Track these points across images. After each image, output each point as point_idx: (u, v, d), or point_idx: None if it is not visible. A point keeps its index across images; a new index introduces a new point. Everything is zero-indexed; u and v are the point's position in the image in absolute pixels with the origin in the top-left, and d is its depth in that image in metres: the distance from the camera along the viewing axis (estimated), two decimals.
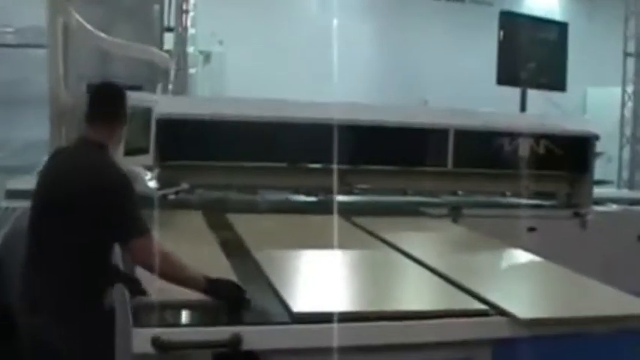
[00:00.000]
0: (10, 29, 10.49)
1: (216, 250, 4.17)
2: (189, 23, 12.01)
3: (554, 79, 11.53)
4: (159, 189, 5.11)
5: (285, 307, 3.07)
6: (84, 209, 3.19)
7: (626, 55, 12.51)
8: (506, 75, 10.88)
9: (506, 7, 13.54)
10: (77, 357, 3.21)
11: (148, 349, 2.71)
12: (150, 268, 3.11)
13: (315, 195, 6.45)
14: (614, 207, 7.71)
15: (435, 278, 3.77)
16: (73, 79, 7.64)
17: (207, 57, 13.62)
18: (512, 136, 6.82)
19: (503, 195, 7.14)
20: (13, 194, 6.06)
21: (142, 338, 2.75)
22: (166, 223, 3.82)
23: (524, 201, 6.94)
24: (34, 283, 3.31)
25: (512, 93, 10.86)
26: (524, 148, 6.85)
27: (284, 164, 6.30)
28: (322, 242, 4.51)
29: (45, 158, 3.69)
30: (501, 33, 10.90)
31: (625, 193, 10.09)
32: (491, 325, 3.15)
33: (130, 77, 8.21)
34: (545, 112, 11.29)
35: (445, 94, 12.55)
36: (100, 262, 3.30)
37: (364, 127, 6.29)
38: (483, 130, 6.78)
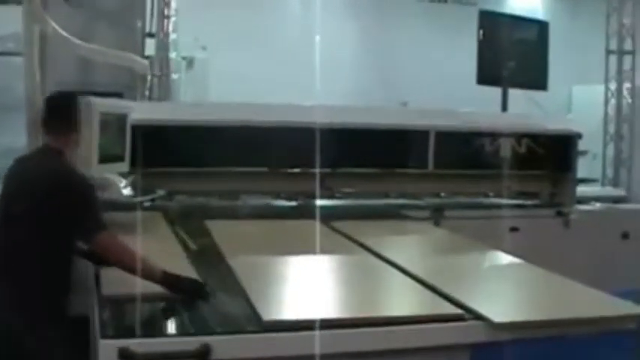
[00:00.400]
0: None
1: (179, 252, 4.18)
2: (170, 29, 11.94)
3: (536, 78, 11.48)
4: (134, 196, 5.05)
5: (256, 315, 3.02)
6: (46, 212, 3.32)
7: (608, 52, 12.50)
8: (486, 75, 10.84)
9: (491, 7, 13.53)
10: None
11: None
12: (114, 260, 3.32)
13: (296, 200, 6.41)
14: (597, 205, 7.68)
15: (412, 283, 3.72)
16: (52, 86, 7.61)
17: (190, 62, 13.55)
18: (494, 136, 6.79)
19: (486, 196, 7.11)
20: None
21: (108, 350, 2.69)
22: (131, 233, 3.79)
23: (506, 201, 6.91)
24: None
25: (496, 93, 10.83)
26: (505, 148, 6.82)
27: (263, 169, 6.25)
28: (299, 248, 4.48)
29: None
30: (481, 32, 10.86)
31: (609, 190, 10.09)
32: (467, 330, 3.10)
33: (111, 84, 8.15)
34: (527, 111, 11.28)
35: (428, 95, 12.51)
36: (64, 265, 3.45)
37: (343, 129, 6.22)
38: (464, 130, 6.74)
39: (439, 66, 14.41)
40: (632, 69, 12.40)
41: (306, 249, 4.38)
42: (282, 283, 3.64)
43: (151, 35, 11.38)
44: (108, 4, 8.88)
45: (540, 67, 11.52)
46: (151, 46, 11.26)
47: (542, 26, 12.07)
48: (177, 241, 4.57)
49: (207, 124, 6.05)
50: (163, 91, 11.59)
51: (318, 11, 13.66)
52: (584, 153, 10.11)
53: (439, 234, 5.73)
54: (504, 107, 10.74)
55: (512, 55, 10.77)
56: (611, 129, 12.52)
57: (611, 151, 12.46)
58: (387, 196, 6.77)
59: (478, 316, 3.13)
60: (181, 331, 2.96)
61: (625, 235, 7.31)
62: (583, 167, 10.24)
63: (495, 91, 10.90)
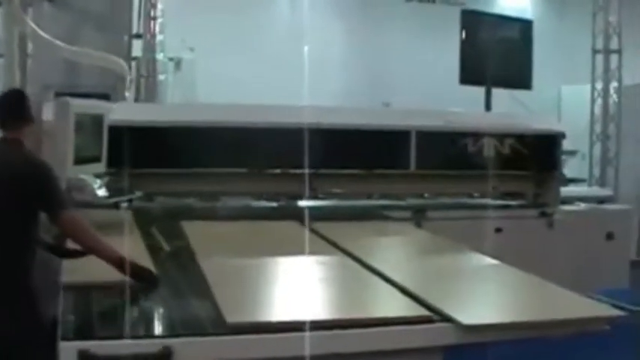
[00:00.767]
0: None
1: (141, 248, 4.21)
2: (157, 30, 11.91)
3: (520, 78, 11.44)
4: (109, 197, 5.02)
5: (221, 317, 2.98)
6: (13, 195, 3.51)
7: (595, 51, 12.46)
8: (469, 74, 10.80)
9: (479, 7, 13.50)
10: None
11: None
12: (76, 237, 3.57)
13: (277, 201, 6.37)
14: (582, 206, 7.62)
15: (386, 285, 3.67)
16: (35, 87, 7.58)
17: (177, 64, 13.51)
18: (477, 135, 6.75)
19: (470, 196, 7.08)
20: None
21: (68, 352, 2.65)
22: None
23: (490, 202, 6.87)
24: None
25: (482, 93, 10.81)
26: (488, 148, 6.78)
27: (244, 170, 6.21)
28: (275, 249, 4.44)
29: None
30: (463, 32, 10.83)
31: (595, 190, 10.01)
32: (438, 332, 3.06)
33: (97, 86, 8.16)
34: (512, 111, 11.25)
35: (415, 95, 12.49)
36: (28, 242, 3.58)
37: (325, 130, 6.16)
38: (446, 130, 6.70)
39: (426, 66, 14.38)
40: (619, 68, 12.36)
41: (283, 250, 4.35)
42: (251, 285, 3.59)
43: (138, 36, 11.34)
44: (94, 5, 8.86)
45: (524, 67, 11.49)
46: (138, 48, 11.23)
47: (525, 25, 12.04)
48: (142, 238, 4.54)
49: (187, 125, 6.01)
50: (150, 92, 11.57)
51: (305, 12, 13.63)
52: (573, 153, 10.11)
53: (418, 235, 5.68)
54: (488, 107, 10.71)
55: (496, 55, 10.70)
56: (598, 128, 12.48)
57: (598, 150, 12.43)
58: (369, 197, 6.74)
59: (448, 319, 3.08)
60: (144, 333, 2.91)
61: (609, 236, 7.28)
62: (572, 167, 10.26)
63: (482, 91, 10.88)
